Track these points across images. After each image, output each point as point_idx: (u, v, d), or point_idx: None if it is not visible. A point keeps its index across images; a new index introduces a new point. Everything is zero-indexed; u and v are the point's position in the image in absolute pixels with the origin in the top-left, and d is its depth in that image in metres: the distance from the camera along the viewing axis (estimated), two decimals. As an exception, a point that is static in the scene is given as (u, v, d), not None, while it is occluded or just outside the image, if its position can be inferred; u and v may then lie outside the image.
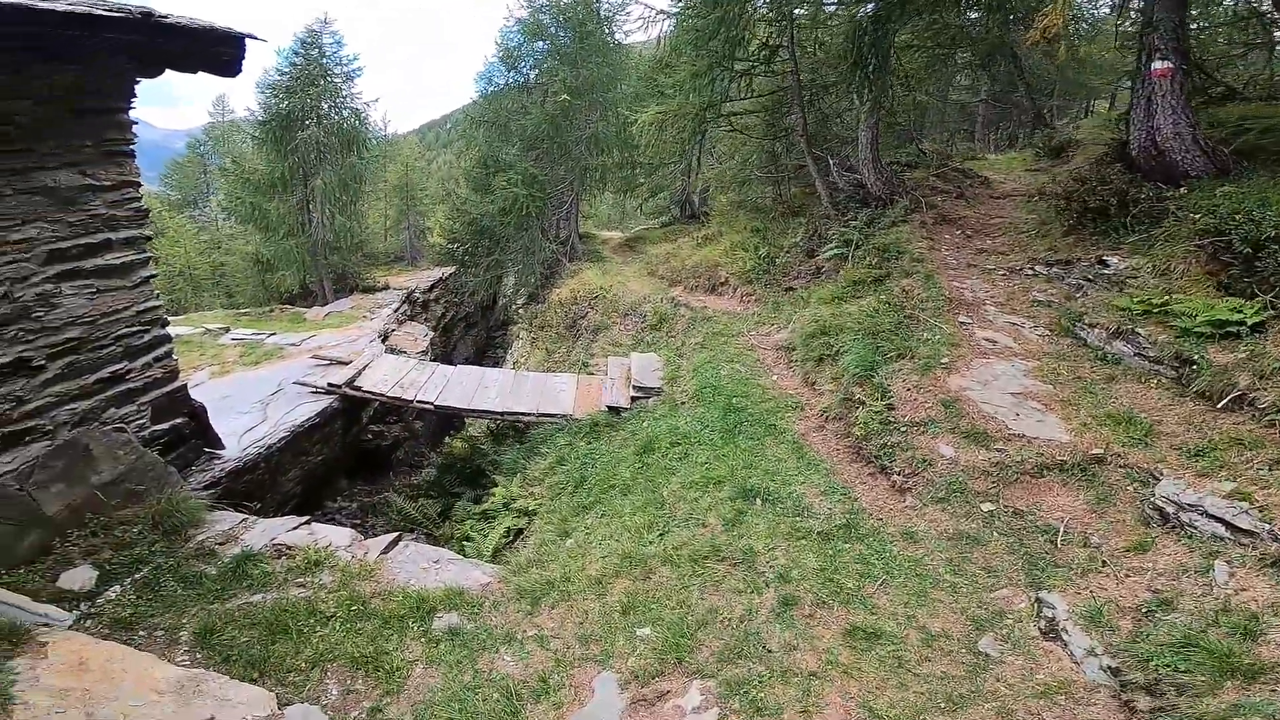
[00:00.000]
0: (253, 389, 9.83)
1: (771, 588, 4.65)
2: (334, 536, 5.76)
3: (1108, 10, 16.01)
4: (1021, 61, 16.43)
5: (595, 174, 19.33)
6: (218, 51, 5.91)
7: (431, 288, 19.46)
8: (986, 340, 6.86)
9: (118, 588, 4.72)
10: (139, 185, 6.03)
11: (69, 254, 5.44)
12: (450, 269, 20.24)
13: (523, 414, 9.04)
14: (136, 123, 5.98)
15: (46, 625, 4.07)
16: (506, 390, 9.58)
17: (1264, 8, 10.54)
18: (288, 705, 3.94)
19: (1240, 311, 5.67)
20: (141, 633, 4.41)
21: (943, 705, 3.67)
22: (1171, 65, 7.55)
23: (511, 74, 19.47)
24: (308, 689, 4.14)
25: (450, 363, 14.15)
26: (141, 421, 6.14)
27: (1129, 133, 8.30)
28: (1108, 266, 7.32)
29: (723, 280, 13.01)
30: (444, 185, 25.79)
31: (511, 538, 7.21)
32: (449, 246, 19.57)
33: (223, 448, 7.26)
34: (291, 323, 14.91)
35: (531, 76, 19.01)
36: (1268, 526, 4.08)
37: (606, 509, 6.50)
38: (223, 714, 3.59)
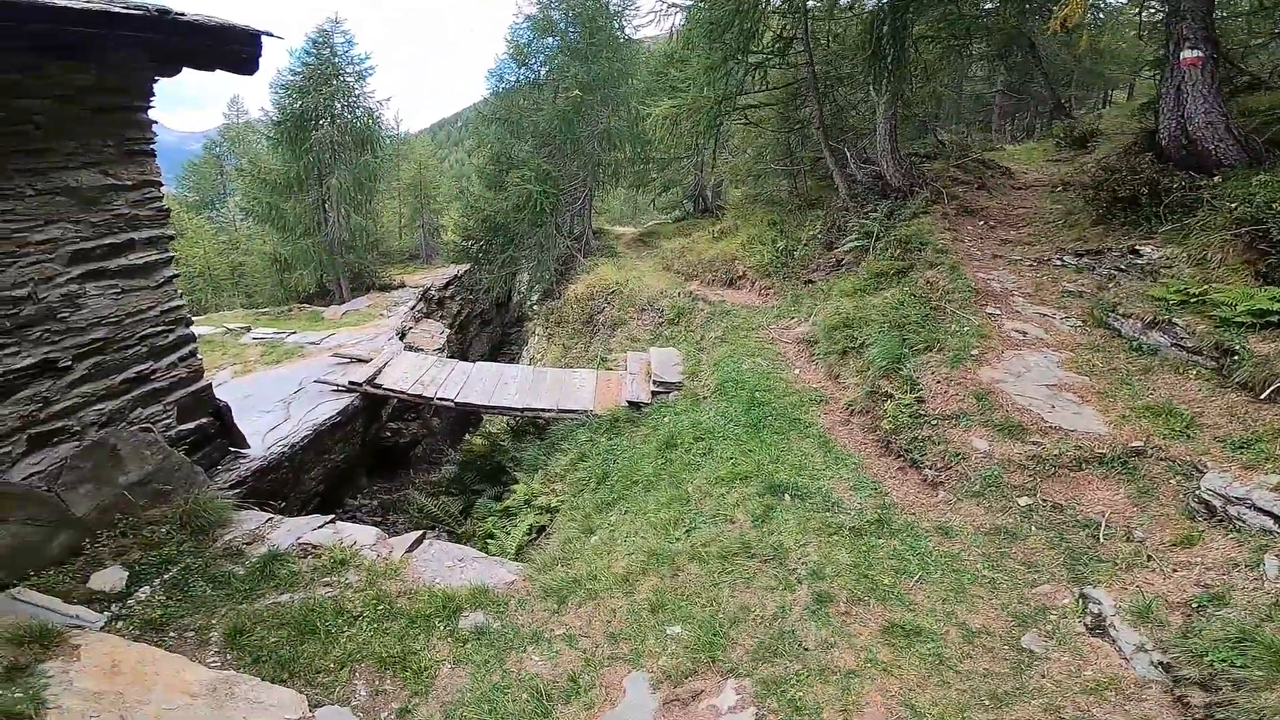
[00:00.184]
0: (274, 388, 9.85)
1: (805, 584, 4.57)
2: (359, 535, 5.74)
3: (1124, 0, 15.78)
4: (1039, 52, 16.19)
5: (608, 169, 19.29)
6: (235, 49, 5.87)
7: (446, 285, 19.48)
8: (1017, 332, 6.71)
9: (147, 588, 4.71)
10: (160, 184, 6.02)
11: (93, 254, 5.42)
12: (465, 266, 20.26)
13: (543, 410, 8.99)
14: (155, 122, 5.96)
15: (78, 627, 4.07)
16: (526, 386, 9.54)
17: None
18: (318, 707, 3.91)
19: (1281, 300, 5.51)
20: (172, 634, 4.40)
21: (987, 703, 3.59)
22: (1201, 54, 7.47)
23: (522, 71, 19.49)
24: (337, 690, 4.12)
25: (466, 359, 14.16)
26: (168, 421, 6.14)
27: (1158, 122, 8.23)
28: (1140, 256, 7.18)
29: (740, 274, 12.91)
30: (457, 183, 25.86)
31: (534, 535, 7.17)
32: (464, 244, 19.60)
33: (247, 447, 7.26)
34: (310, 321, 14.97)
35: (542, 73, 18.96)
36: (1320, 520, 3.95)
37: (630, 505, 6.43)
38: (255, 717, 3.57)
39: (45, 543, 4.69)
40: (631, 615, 4.66)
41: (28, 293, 4.98)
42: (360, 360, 10.74)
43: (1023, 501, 4.94)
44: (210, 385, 6.74)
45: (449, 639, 4.58)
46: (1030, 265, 8.17)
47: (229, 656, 4.28)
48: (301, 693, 3.99)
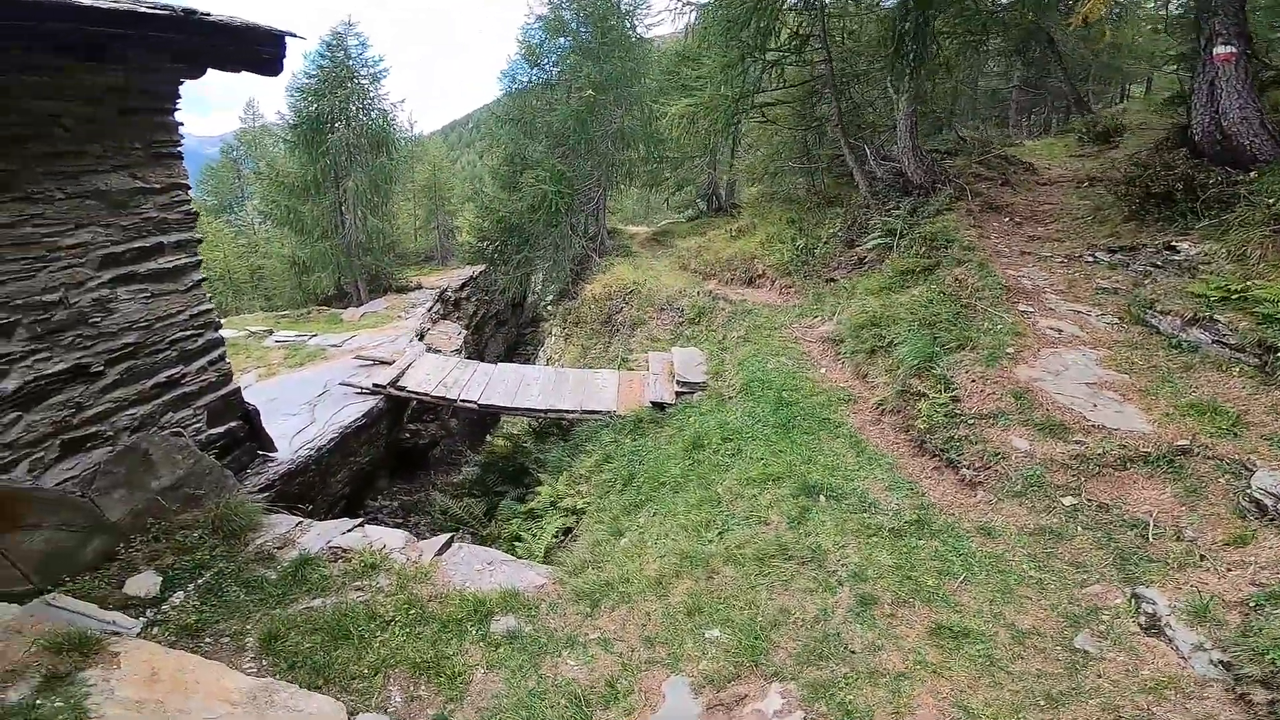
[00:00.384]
0: (299, 390, 9.87)
1: (846, 586, 4.50)
2: (388, 539, 5.70)
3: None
4: (1058, 47, 16.00)
5: (622, 169, 19.25)
6: (259, 50, 5.86)
7: (462, 286, 19.50)
8: (1051, 329, 6.59)
9: (182, 593, 4.68)
10: (187, 187, 6.01)
11: (123, 258, 5.42)
12: (480, 267, 20.28)
13: (566, 411, 8.94)
14: (182, 124, 5.95)
15: (115, 633, 4.04)
16: (548, 388, 9.49)
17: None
18: (356, 715, 3.87)
19: (1327, 296, 5.38)
20: (208, 639, 4.37)
21: (1042, 703, 3.52)
22: (1235, 50, 7.46)
23: (535, 71, 19.48)
24: (372, 696, 4.07)
25: (482, 360, 14.14)
26: (198, 425, 6.14)
27: (1190, 118, 8.20)
28: (1177, 252, 7.05)
29: (760, 273, 12.80)
30: (471, 184, 25.88)
31: (560, 537, 7.13)
32: (479, 245, 19.62)
33: (275, 450, 7.26)
34: (329, 324, 15.03)
35: (554, 73, 18.94)
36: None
37: (659, 507, 6.36)
38: (296, 725, 3.53)
39: (79, 548, 4.68)
40: (667, 619, 4.60)
41: (59, 297, 4.98)
42: (382, 362, 10.74)
43: (1067, 501, 4.83)
44: (239, 389, 6.74)
45: (481, 643, 4.52)
46: (1061, 262, 8.04)
47: (265, 663, 4.24)
48: (338, 699, 3.96)
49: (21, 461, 4.82)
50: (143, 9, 4.66)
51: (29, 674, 3.46)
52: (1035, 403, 5.60)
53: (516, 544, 7.14)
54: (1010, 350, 6.29)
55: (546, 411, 9.10)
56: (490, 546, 6.47)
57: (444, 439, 13.33)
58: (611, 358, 12.75)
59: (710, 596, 4.70)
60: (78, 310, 5.12)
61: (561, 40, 18.65)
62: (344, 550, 5.42)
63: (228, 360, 6.59)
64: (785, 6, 10.79)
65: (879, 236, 10.30)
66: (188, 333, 6.03)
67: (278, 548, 5.38)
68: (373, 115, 19.18)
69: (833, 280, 10.84)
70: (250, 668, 4.17)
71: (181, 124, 5.95)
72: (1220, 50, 7.50)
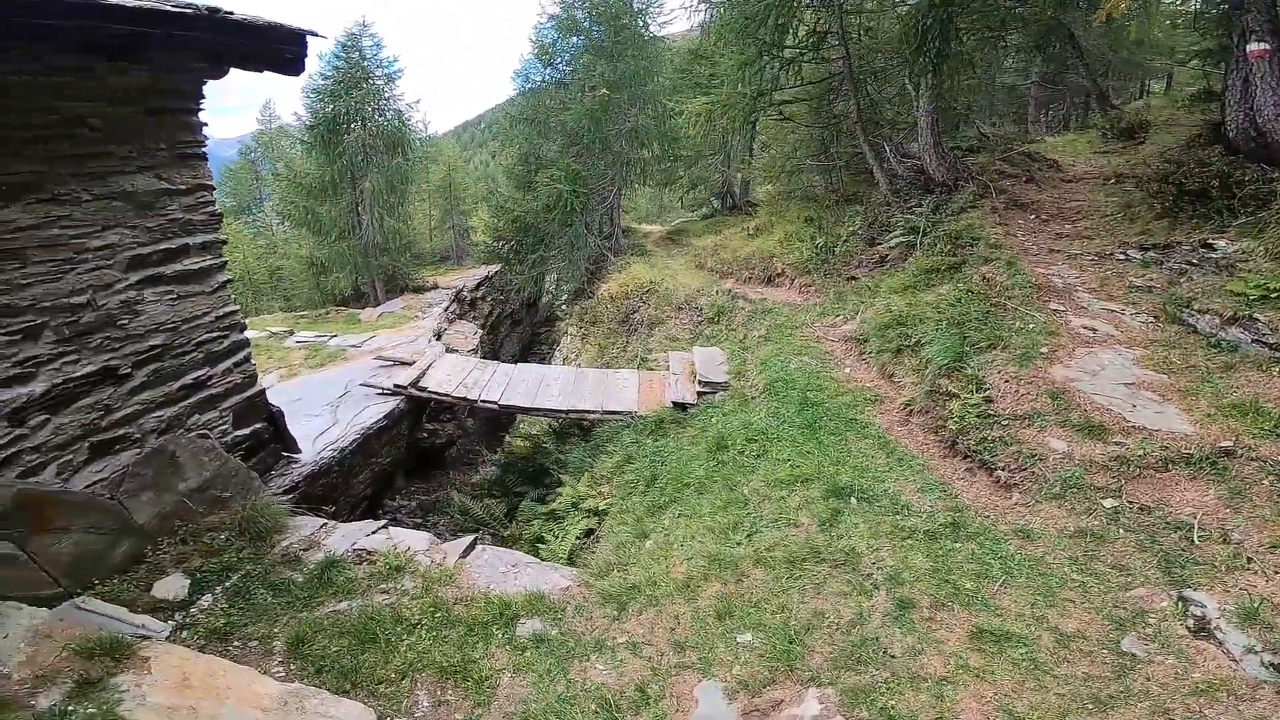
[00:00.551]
0: (320, 391, 9.88)
1: (882, 590, 4.42)
2: (412, 541, 5.67)
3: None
4: (1079, 43, 15.77)
5: (636, 168, 19.19)
6: (281, 49, 5.84)
7: (478, 286, 19.51)
8: (1085, 329, 6.45)
9: (210, 596, 4.67)
10: (212, 188, 6.00)
11: (149, 260, 5.41)
12: (495, 267, 20.29)
13: (587, 412, 8.88)
14: (206, 124, 5.94)
15: (145, 637, 4.03)
16: (569, 388, 9.44)
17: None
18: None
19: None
20: (236, 643, 4.35)
21: (1090, 706, 3.44)
22: (1269, 46, 7.39)
23: (548, 70, 19.45)
24: (400, 701, 4.04)
25: (497, 360, 14.12)
26: (224, 427, 6.14)
27: (1224, 114, 8.13)
28: (1214, 250, 6.92)
29: (779, 271, 12.67)
30: (485, 184, 25.93)
31: (583, 538, 7.07)
32: (494, 244, 19.63)
33: (299, 451, 7.25)
34: (348, 324, 15.09)
35: (568, 72, 18.90)
36: None
37: (684, 508, 6.30)
38: (328, 731, 3.49)
39: (108, 551, 4.67)
40: (696, 622, 4.54)
41: (87, 299, 4.98)
42: (403, 363, 10.74)
43: (1108, 503, 4.71)
44: (264, 390, 6.73)
45: (507, 647, 4.48)
46: (1091, 260, 7.88)
47: (293, 667, 4.22)
48: (365, 704, 3.92)
49: (50, 464, 4.82)
50: (169, 7, 4.64)
51: (61, 679, 3.45)
52: (1072, 403, 5.47)
53: (539, 545, 7.10)
54: (1044, 350, 6.16)
55: (568, 412, 9.05)
56: (512, 548, 6.44)
57: (460, 438, 13.33)
58: (630, 357, 12.69)
59: (740, 600, 4.64)
60: (106, 312, 5.11)
61: (574, 39, 18.62)
62: (369, 552, 5.40)
63: (253, 362, 6.58)
64: (803, 4, 10.71)
65: (901, 234, 10.17)
66: (214, 334, 6.02)
67: (303, 550, 5.37)
68: (388, 116, 19.21)
69: (854, 279, 10.71)
70: (278, 672, 4.15)
71: (205, 124, 5.94)
72: (1254, 47, 7.43)
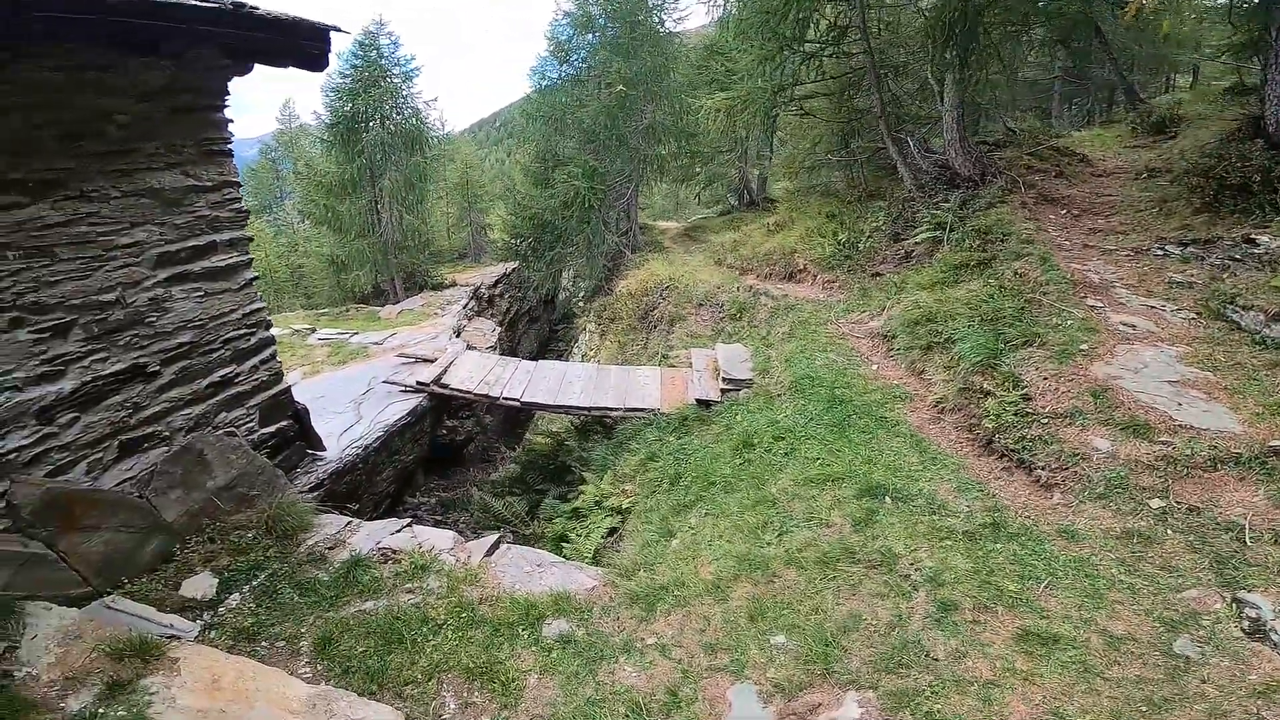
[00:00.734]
0: (343, 388, 9.89)
1: (922, 591, 4.31)
2: (436, 539, 5.62)
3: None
4: (1106, 37, 15.45)
5: (653, 164, 19.11)
6: (305, 45, 5.79)
7: (496, 283, 19.53)
8: (1125, 325, 6.27)
9: (237, 595, 4.65)
10: (238, 185, 5.98)
11: (177, 257, 5.40)
12: (512, 264, 20.30)
13: (610, 409, 8.81)
14: (231, 121, 5.92)
15: (174, 637, 4.00)
16: (590, 385, 9.37)
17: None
18: (413, 722, 3.78)
19: None
20: (263, 643, 4.32)
21: (1143, 709, 3.34)
22: None
23: (564, 67, 19.42)
24: (427, 703, 3.97)
25: (515, 356, 14.09)
26: (250, 425, 6.13)
27: (1263, 108, 7.97)
28: (1257, 245, 6.72)
29: (800, 267, 12.53)
30: (501, 182, 25.96)
31: (607, 537, 7.00)
32: (512, 242, 19.63)
33: (324, 449, 7.24)
34: (368, 321, 15.13)
35: (584, 69, 18.86)
36: None
37: (710, 507, 6.20)
38: (358, 735, 3.44)
39: (138, 549, 4.67)
40: (727, 624, 4.45)
41: (116, 297, 4.97)
42: (425, 360, 10.73)
43: (1154, 504, 4.57)
44: (289, 388, 6.71)
45: (534, 648, 4.41)
46: (1128, 255, 7.69)
47: (320, 667, 4.18)
48: (393, 706, 3.87)
49: (80, 462, 4.82)
50: (195, 2, 4.61)
51: (90, 681, 3.42)
52: (1115, 401, 5.31)
53: (563, 544, 7.02)
54: (1084, 347, 5.99)
55: (590, 409, 8.98)
56: (534, 546, 6.37)
57: (478, 435, 13.31)
58: (650, 354, 12.60)
59: (772, 601, 4.55)
60: (134, 309, 5.10)
61: (590, 36, 18.58)
62: (393, 551, 5.36)
63: (278, 359, 6.57)
64: (825, -2, 10.60)
65: (928, 230, 9.99)
66: (241, 331, 6.00)
67: (329, 548, 5.34)
68: (406, 114, 19.26)
69: (878, 275, 10.54)
70: (305, 672, 4.11)
71: (231, 120, 5.92)
72: (1295, 39, 7.19)
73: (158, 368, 5.24)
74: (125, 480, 5.01)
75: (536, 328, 21.95)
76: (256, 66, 5.90)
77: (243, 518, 5.22)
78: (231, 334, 5.90)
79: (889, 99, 11.72)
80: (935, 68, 9.99)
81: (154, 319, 5.23)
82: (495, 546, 5.64)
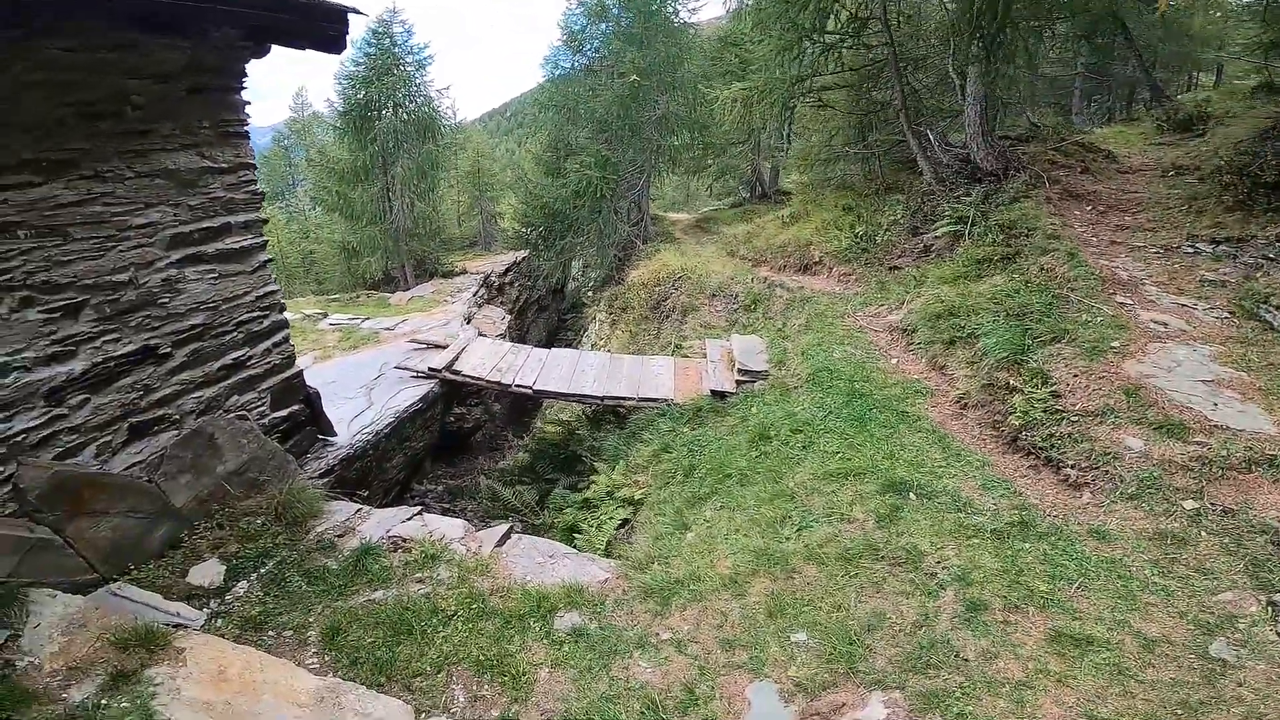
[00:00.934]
0: (355, 374, 9.82)
1: (949, 590, 4.20)
2: (447, 529, 5.54)
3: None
4: (1131, 33, 15.17)
5: (666, 155, 18.94)
6: (324, 26, 5.67)
7: (505, 271, 19.45)
8: (1155, 323, 6.13)
9: (245, 583, 4.58)
10: (254, 167, 5.89)
11: (191, 238, 5.31)
12: (522, 253, 20.23)
13: (623, 398, 8.71)
14: (249, 103, 5.82)
15: (180, 626, 3.93)
16: (604, 374, 9.27)
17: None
18: (421, 717, 3.69)
19: None
20: (271, 633, 4.25)
21: (1179, 712, 3.26)
22: None
23: (577, 57, 19.25)
24: (436, 695, 3.89)
25: (524, 344, 14.01)
26: (261, 409, 6.05)
27: None
28: (1292, 245, 6.52)
29: (815, 259, 12.37)
30: (512, 172, 25.87)
31: (619, 529, 6.90)
32: (522, 230, 19.53)
33: (335, 435, 7.16)
34: (378, 307, 15.11)
35: (597, 59, 18.69)
36: None
37: (725, 500, 6.09)
38: (366, 729, 3.36)
39: (146, 535, 4.60)
40: (746, 620, 4.35)
41: (128, 278, 4.89)
42: (436, 346, 10.65)
43: (1188, 505, 4.45)
44: (301, 372, 6.63)
45: (545, 640, 4.32)
46: (1157, 253, 7.54)
47: (327, 658, 4.11)
48: (402, 698, 3.79)
49: (89, 445, 4.75)
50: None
51: (94, 671, 3.36)
52: (1149, 400, 5.17)
53: (574, 535, 6.93)
54: (1115, 344, 5.85)
55: (603, 398, 8.88)
56: (545, 536, 6.29)
57: (487, 423, 13.24)
58: (663, 344, 12.48)
59: (792, 597, 4.45)
60: (147, 290, 5.02)
61: (603, 25, 18.40)
62: (404, 540, 5.29)
63: (291, 343, 6.49)
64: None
65: (949, 224, 9.82)
66: (254, 314, 5.92)
67: (338, 536, 5.27)
68: (418, 102, 19.17)
69: (896, 268, 10.40)
70: (313, 663, 4.04)
71: (248, 103, 5.82)
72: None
73: (169, 349, 5.16)
74: (134, 464, 4.94)
75: (545, 316, 21.88)
76: (274, 49, 5.80)
77: (252, 503, 5.14)
78: (245, 316, 5.82)
79: (909, 92, 11.54)
80: (958, 60, 9.82)
81: (166, 300, 5.15)
82: (506, 536, 5.56)
